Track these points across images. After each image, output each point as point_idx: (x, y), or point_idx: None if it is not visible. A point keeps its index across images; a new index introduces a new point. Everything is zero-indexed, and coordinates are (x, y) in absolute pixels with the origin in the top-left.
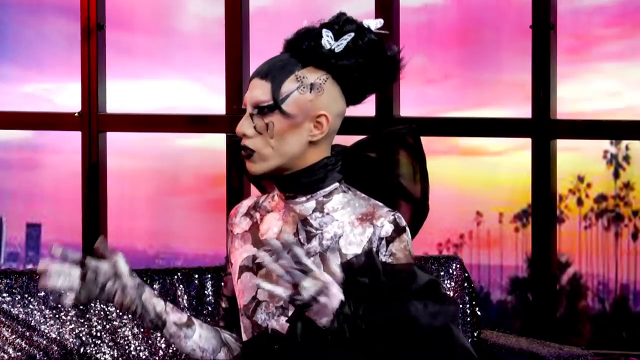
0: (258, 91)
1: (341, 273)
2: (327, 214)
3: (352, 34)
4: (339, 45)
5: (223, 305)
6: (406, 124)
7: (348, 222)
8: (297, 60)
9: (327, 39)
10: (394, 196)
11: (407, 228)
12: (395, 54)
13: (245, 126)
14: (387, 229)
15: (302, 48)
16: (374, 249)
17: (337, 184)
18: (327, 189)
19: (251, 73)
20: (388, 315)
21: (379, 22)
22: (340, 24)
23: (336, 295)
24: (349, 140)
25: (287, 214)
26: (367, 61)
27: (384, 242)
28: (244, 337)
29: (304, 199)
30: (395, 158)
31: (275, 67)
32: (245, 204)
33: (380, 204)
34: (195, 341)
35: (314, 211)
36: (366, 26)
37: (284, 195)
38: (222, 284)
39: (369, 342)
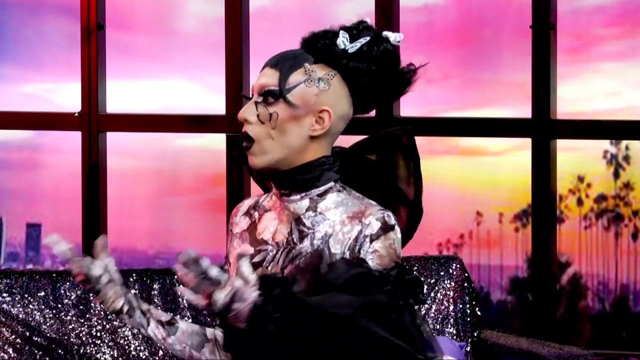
0: (266, 78)
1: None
2: (320, 213)
3: (368, 39)
4: (352, 47)
5: None
6: (401, 124)
7: (339, 221)
8: (310, 56)
9: (343, 39)
10: (391, 198)
11: (397, 227)
12: (409, 70)
13: (247, 112)
14: (374, 226)
15: (317, 45)
16: (358, 247)
17: (332, 184)
18: (322, 188)
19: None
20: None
21: (399, 36)
22: (359, 29)
23: (249, 298)
24: (348, 140)
25: (282, 213)
26: (379, 69)
27: (367, 239)
28: None
29: (298, 197)
30: (392, 160)
31: (287, 58)
32: (247, 203)
33: (374, 203)
34: (177, 337)
35: (307, 210)
36: (384, 36)
37: (279, 193)
38: None
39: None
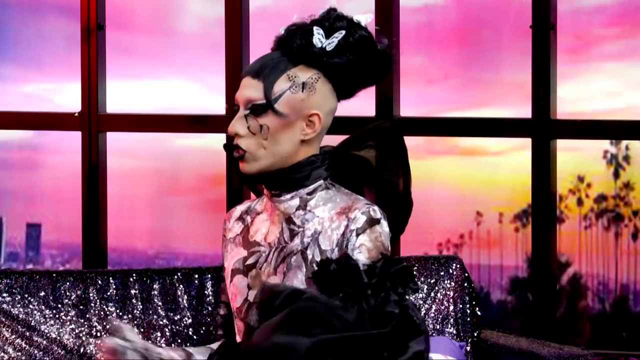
0: (250, 90)
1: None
2: (309, 210)
3: (343, 32)
4: (330, 44)
5: (221, 312)
6: (390, 118)
7: (328, 218)
8: (288, 59)
9: (318, 37)
10: (381, 192)
11: (383, 221)
12: (386, 48)
13: (237, 126)
14: (359, 220)
15: (294, 46)
16: (345, 242)
17: (321, 182)
18: (311, 187)
19: None
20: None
21: (369, 17)
22: (331, 20)
23: None
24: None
25: (273, 214)
26: (358, 57)
27: (354, 233)
28: (238, 339)
29: (288, 196)
30: (380, 154)
31: (267, 66)
32: (239, 209)
33: (361, 197)
34: None
35: (297, 209)
36: (357, 22)
37: (270, 194)
38: (221, 290)
39: None
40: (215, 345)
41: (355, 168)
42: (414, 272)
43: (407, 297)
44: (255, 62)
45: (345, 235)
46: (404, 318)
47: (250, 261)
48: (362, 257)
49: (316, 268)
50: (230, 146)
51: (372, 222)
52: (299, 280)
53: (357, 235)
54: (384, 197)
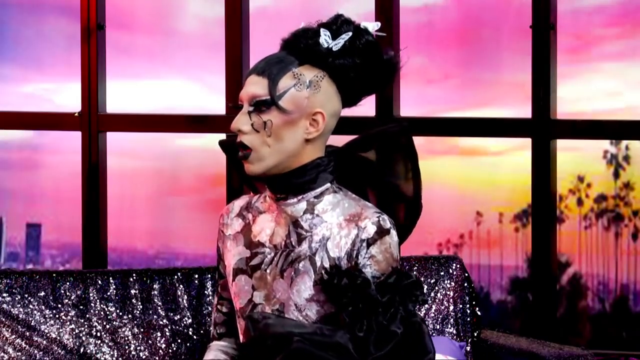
0: (255, 87)
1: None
2: (317, 215)
3: (350, 34)
4: (336, 44)
5: (224, 310)
6: (397, 121)
7: (336, 224)
8: (294, 58)
9: (325, 38)
10: (386, 196)
11: (392, 231)
12: (391, 57)
13: (241, 122)
14: (370, 230)
15: (300, 46)
16: (355, 252)
17: (328, 185)
18: (318, 190)
19: None
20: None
21: (377, 25)
22: (338, 24)
23: None
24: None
25: (279, 216)
26: (363, 62)
27: (364, 244)
28: (241, 339)
29: (294, 200)
30: (387, 157)
31: (272, 63)
32: (237, 204)
33: (370, 204)
34: None
35: (304, 213)
36: (363, 28)
37: (274, 197)
38: (219, 288)
39: None
40: (223, 343)
41: (360, 170)
42: (422, 284)
43: (416, 311)
44: (261, 61)
45: (356, 244)
46: (410, 337)
47: (254, 262)
48: (372, 269)
49: (324, 274)
50: (231, 146)
51: (382, 233)
52: (306, 285)
53: (368, 246)
54: (387, 199)
